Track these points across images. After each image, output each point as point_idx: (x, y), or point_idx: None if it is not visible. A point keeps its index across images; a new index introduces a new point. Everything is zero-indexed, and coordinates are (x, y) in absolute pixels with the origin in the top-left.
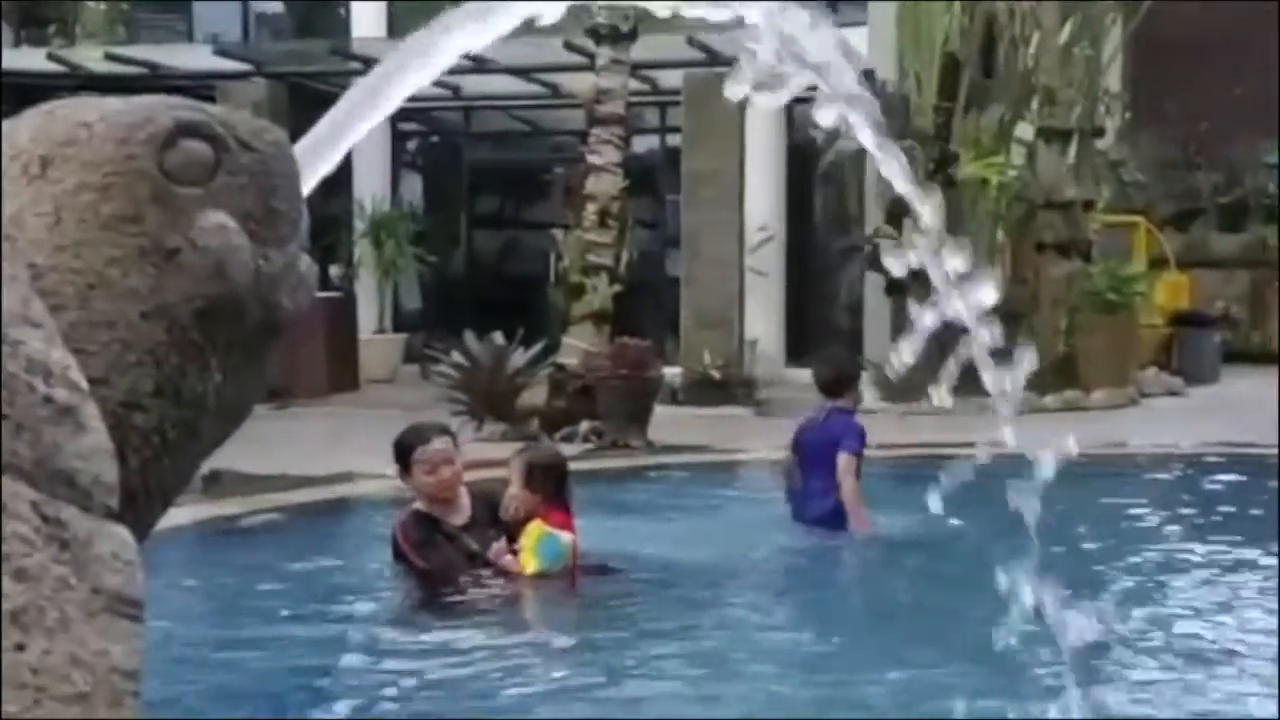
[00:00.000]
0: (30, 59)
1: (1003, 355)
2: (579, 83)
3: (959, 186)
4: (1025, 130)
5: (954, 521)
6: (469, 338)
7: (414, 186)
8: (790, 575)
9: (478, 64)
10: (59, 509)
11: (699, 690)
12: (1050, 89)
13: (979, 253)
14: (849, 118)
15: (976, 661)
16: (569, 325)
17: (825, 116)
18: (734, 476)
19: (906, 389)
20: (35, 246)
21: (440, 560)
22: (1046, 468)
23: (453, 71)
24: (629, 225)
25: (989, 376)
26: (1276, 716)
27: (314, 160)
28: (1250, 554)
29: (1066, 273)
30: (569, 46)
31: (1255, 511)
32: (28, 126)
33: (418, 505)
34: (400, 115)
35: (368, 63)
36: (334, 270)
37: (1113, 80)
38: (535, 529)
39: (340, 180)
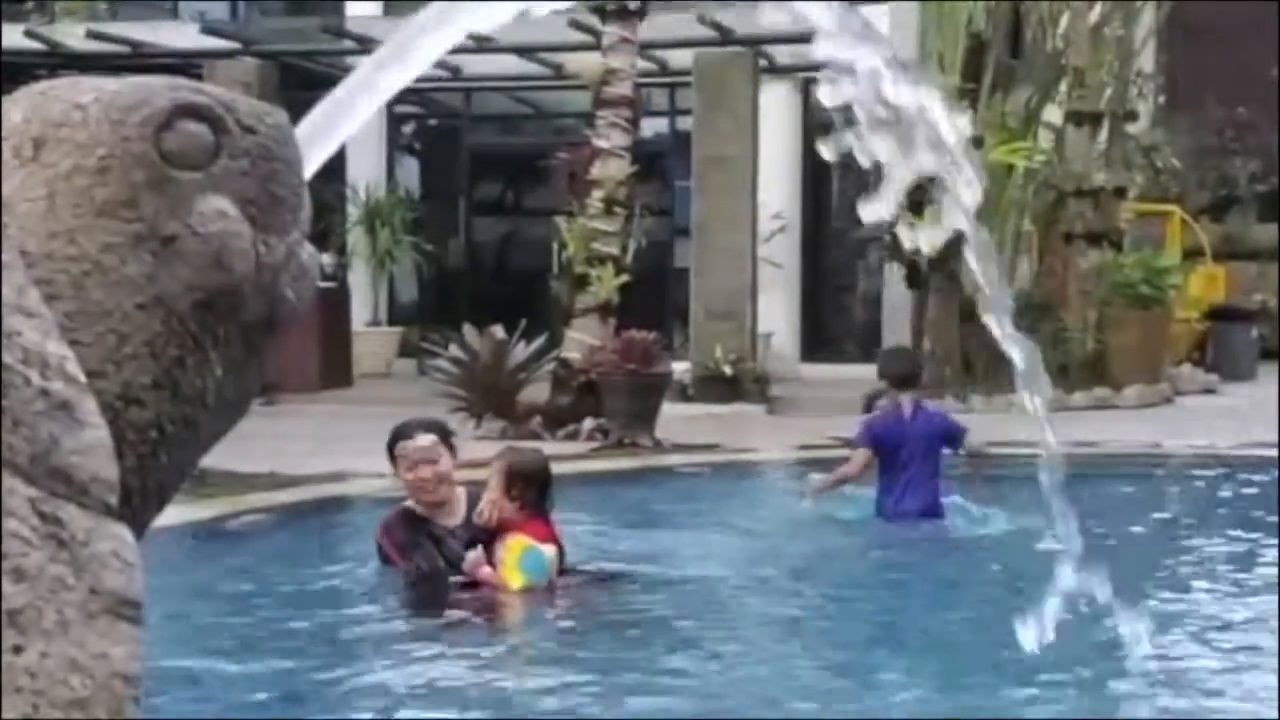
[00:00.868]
0: (6, 36)
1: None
2: (585, 63)
3: (984, 173)
4: (1053, 114)
5: (976, 525)
6: (468, 331)
7: (410, 171)
8: (824, 577)
9: (479, 43)
10: (57, 506)
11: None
12: (1080, 70)
13: (1004, 243)
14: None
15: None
16: (573, 318)
17: (831, 96)
18: (747, 477)
19: (926, 387)
20: (27, 233)
21: (426, 562)
22: (1069, 469)
23: (452, 51)
24: (636, 213)
25: (1020, 373)
26: (1277, 717)
27: (312, 146)
28: None
29: (1096, 264)
30: (574, 24)
31: None
32: (20, 107)
33: (409, 503)
34: (396, 97)
35: (362, 42)
36: (326, 259)
37: (1146, 62)
38: (517, 544)
39: (333, 164)
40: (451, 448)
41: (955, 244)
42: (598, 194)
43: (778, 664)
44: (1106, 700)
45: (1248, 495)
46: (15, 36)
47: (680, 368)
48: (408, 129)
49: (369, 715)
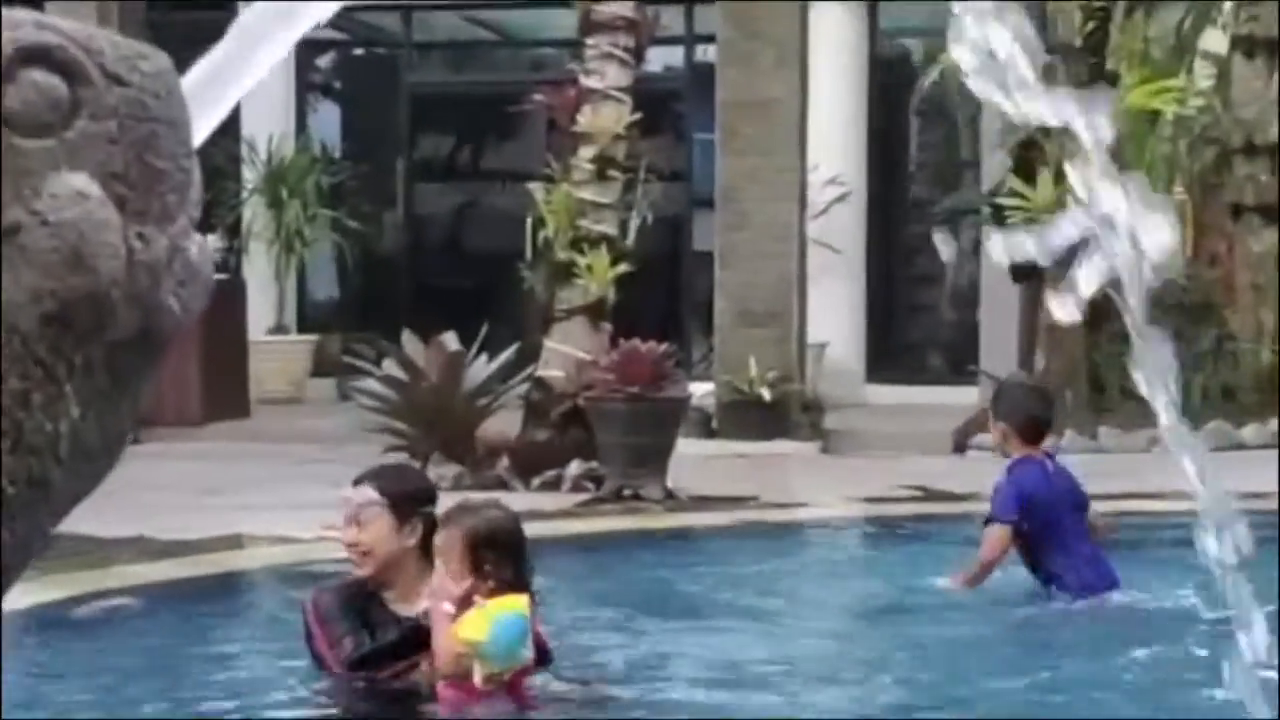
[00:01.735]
0: None
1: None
2: None
3: (1119, 122)
4: (1215, 40)
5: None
6: (408, 340)
7: (329, 121)
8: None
9: None
10: None
11: None
12: None
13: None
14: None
15: None
16: (553, 322)
17: None
18: (795, 543)
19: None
20: None
21: (373, 654)
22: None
23: None
24: (640, 178)
25: (1160, 401)
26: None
27: (204, 101)
28: None
29: (1274, 246)
30: None
31: None
32: None
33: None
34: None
35: None
36: (212, 243)
37: None
38: (480, 615)
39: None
40: (404, 517)
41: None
42: (587, 152)
43: None
44: None
45: None
46: None
47: (701, 391)
48: (324, 62)
49: None
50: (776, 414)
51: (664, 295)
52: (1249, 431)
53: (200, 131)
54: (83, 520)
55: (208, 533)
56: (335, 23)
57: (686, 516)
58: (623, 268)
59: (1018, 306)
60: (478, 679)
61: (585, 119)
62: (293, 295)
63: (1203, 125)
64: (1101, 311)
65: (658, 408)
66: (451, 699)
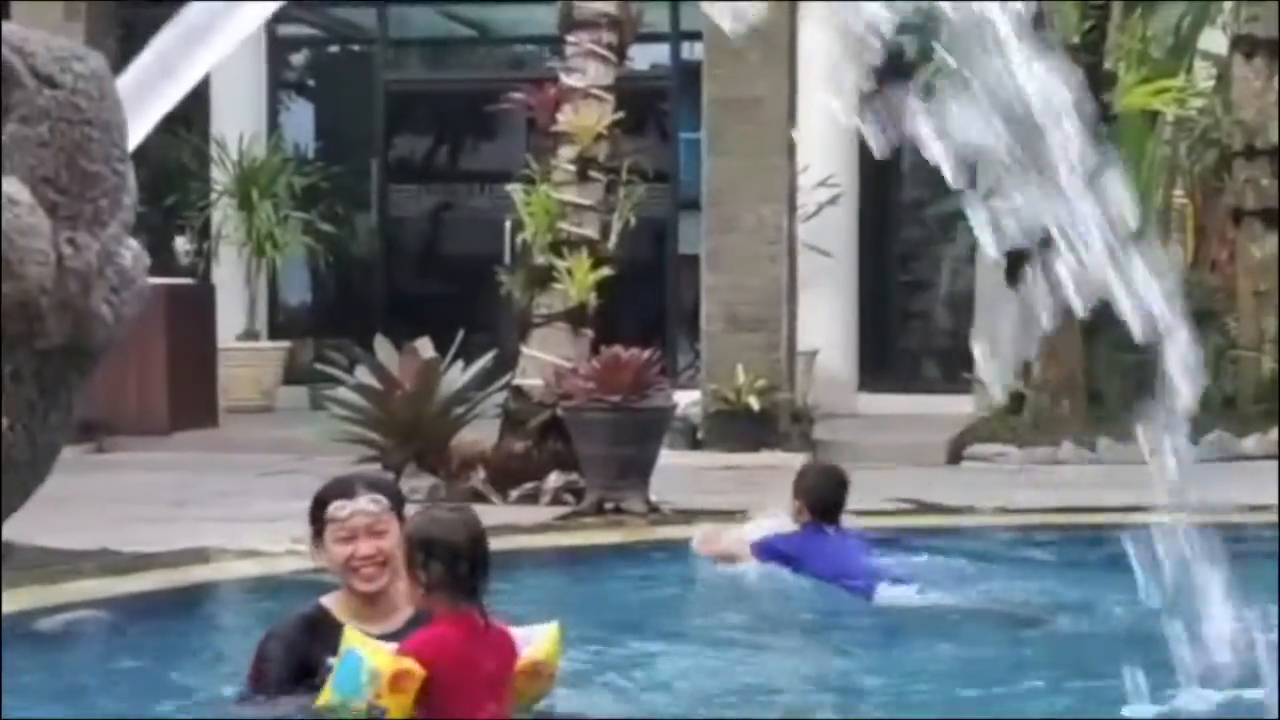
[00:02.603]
0: None
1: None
2: None
3: (1117, 122)
4: (1215, 40)
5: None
6: (381, 347)
7: (302, 120)
8: None
9: None
10: None
11: None
12: None
13: (1146, 221)
14: None
15: None
16: (532, 328)
17: None
18: None
19: (1037, 428)
20: None
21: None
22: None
23: None
24: (623, 179)
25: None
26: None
27: (145, 99)
28: None
29: (1276, 252)
30: None
31: None
32: None
33: (325, 601)
34: (282, 14)
35: None
36: (181, 245)
37: None
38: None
39: (191, 111)
40: (402, 520)
41: None
42: (568, 152)
43: None
44: None
45: None
46: None
47: (686, 400)
48: (298, 59)
49: None
50: (765, 424)
51: (648, 301)
52: (1251, 442)
53: (137, 133)
54: (46, 531)
55: (174, 545)
56: (308, 18)
57: (670, 530)
58: (604, 272)
59: (1015, 312)
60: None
61: (566, 118)
62: (263, 300)
63: (1203, 127)
64: (1099, 321)
65: (640, 417)
66: None
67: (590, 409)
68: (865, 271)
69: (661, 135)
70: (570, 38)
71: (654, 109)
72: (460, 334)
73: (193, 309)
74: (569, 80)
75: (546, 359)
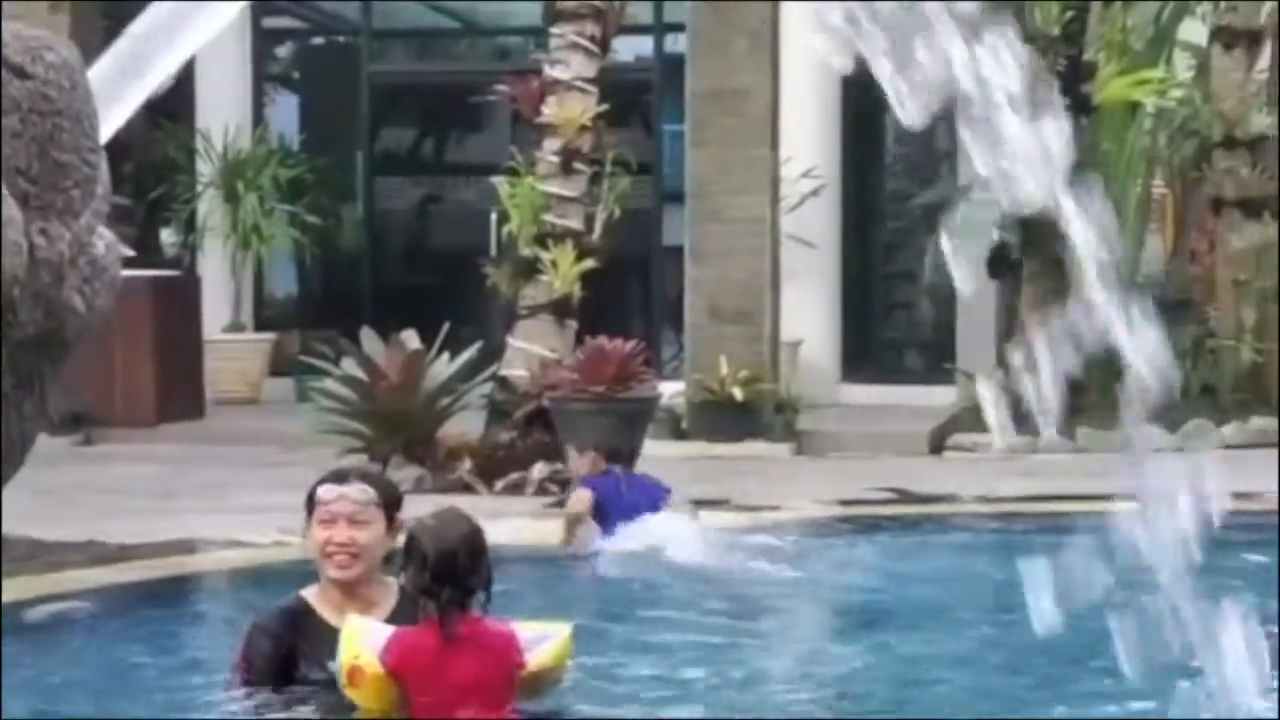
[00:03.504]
0: None
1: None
2: None
3: (1097, 113)
4: (1195, 30)
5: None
6: (368, 338)
7: (287, 112)
8: None
9: None
10: None
11: None
12: None
13: (1125, 212)
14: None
15: None
16: (517, 320)
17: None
18: (769, 546)
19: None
20: None
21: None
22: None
23: None
24: (607, 170)
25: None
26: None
27: (119, 89)
28: None
29: (1256, 242)
30: None
31: None
32: None
33: (305, 593)
34: (267, 6)
35: None
36: (166, 238)
37: None
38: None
39: (177, 103)
40: (393, 523)
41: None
42: (552, 144)
43: None
44: None
45: None
46: None
47: (671, 390)
48: (283, 51)
49: None
50: (749, 414)
51: (632, 292)
52: (1230, 430)
53: (109, 124)
54: (34, 522)
55: (160, 536)
56: (293, 11)
57: None
58: (589, 263)
59: (995, 303)
60: None
61: (550, 110)
62: (249, 292)
63: (1183, 118)
64: None
65: (625, 408)
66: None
67: (575, 400)
68: (848, 263)
69: (645, 127)
70: (554, 30)
71: (638, 101)
72: (446, 326)
73: (179, 301)
74: (553, 72)
75: (532, 350)
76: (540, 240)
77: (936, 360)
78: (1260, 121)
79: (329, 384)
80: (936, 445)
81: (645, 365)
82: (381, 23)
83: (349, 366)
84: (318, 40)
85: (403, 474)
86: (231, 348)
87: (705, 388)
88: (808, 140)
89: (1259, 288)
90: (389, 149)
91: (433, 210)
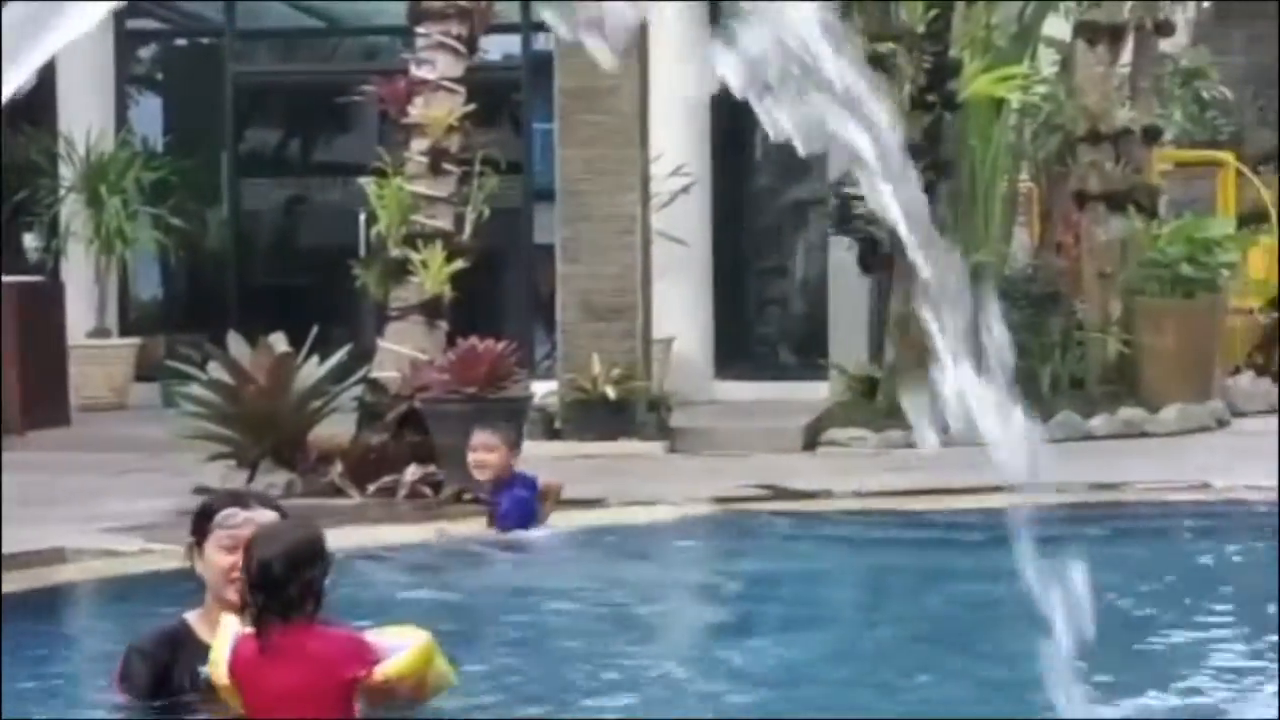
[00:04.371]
0: None
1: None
2: None
3: (962, 110)
4: (1058, 26)
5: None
6: (234, 342)
7: (150, 114)
8: None
9: None
10: None
11: None
12: None
13: (992, 206)
14: None
15: None
16: (387, 321)
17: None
18: (642, 546)
19: (891, 413)
20: None
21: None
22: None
23: None
24: (476, 170)
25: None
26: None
27: None
28: None
29: (1121, 235)
30: None
31: None
32: None
33: (188, 616)
34: (129, 8)
35: None
36: (29, 242)
37: None
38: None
39: (37, 106)
40: None
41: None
42: (419, 144)
43: None
44: None
45: None
46: None
47: (543, 390)
48: (146, 53)
49: None
50: (622, 413)
51: (503, 291)
52: (1097, 422)
53: None
54: None
55: (28, 546)
56: (156, 12)
57: None
58: (459, 264)
59: (866, 298)
60: None
61: (417, 110)
62: (114, 297)
63: (1047, 113)
64: None
65: (498, 408)
66: None
67: (447, 401)
68: (720, 259)
69: (514, 126)
70: (420, 30)
71: (506, 100)
72: (315, 328)
73: (42, 306)
74: (419, 72)
75: (403, 352)
76: (410, 241)
77: (809, 356)
78: (1123, 116)
79: (195, 389)
80: (810, 441)
81: (517, 365)
82: (245, 23)
83: (215, 371)
84: (181, 41)
85: (272, 478)
86: (97, 353)
87: (578, 386)
88: (677, 138)
89: (1124, 280)
90: (254, 150)
91: (300, 211)
